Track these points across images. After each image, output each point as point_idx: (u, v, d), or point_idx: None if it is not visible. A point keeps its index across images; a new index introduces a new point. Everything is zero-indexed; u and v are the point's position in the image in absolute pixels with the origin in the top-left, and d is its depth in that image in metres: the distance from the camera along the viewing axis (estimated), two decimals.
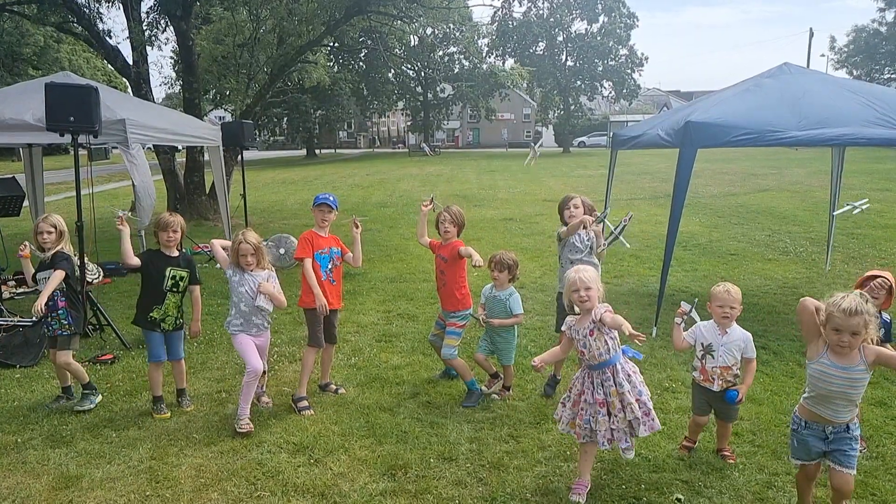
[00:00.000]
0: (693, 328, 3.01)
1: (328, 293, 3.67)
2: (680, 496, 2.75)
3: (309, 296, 3.62)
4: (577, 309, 2.79)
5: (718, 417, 3.05)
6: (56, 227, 3.62)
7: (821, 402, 2.37)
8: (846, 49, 44.00)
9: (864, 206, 5.72)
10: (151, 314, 3.60)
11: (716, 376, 2.93)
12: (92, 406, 3.62)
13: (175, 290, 3.63)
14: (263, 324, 3.52)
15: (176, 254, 3.66)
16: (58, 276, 3.49)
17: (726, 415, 3.03)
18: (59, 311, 3.57)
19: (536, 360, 2.79)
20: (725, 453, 3.06)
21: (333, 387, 3.94)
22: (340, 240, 3.83)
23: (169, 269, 3.59)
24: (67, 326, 3.62)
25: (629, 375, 2.74)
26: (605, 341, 2.69)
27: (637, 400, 2.70)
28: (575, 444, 3.19)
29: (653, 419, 2.73)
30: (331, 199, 3.70)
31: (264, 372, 3.64)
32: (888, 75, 42.39)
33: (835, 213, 5.92)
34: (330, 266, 3.72)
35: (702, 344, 2.96)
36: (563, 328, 2.86)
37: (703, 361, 2.97)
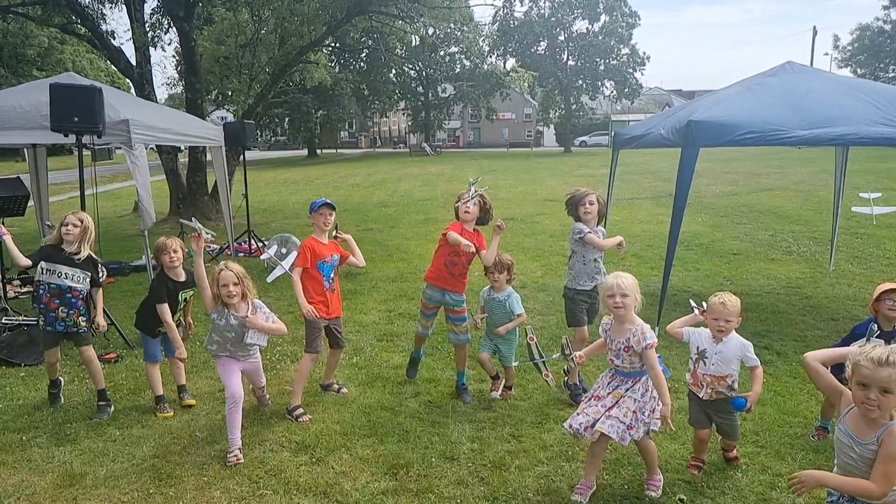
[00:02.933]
0: (692, 330, 2.92)
1: (330, 302, 3.64)
2: (683, 496, 2.75)
3: (312, 303, 3.61)
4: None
5: (720, 433, 2.92)
6: (82, 222, 3.62)
7: (840, 473, 2.00)
8: (850, 48, 43.85)
9: (876, 196, 5.70)
10: (160, 328, 3.64)
11: (705, 384, 2.83)
12: (107, 417, 3.61)
13: (183, 307, 3.72)
14: (253, 350, 3.35)
15: (183, 276, 3.64)
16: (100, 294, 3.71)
17: (727, 431, 2.88)
18: (80, 308, 3.60)
19: (577, 354, 2.85)
20: (732, 454, 2.97)
21: (336, 386, 3.95)
22: (339, 244, 3.79)
23: (181, 293, 3.63)
24: (85, 323, 3.67)
25: (646, 391, 2.70)
26: (639, 359, 2.68)
27: (634, 411, 2.64)
28: (577, 445, 3.20)
29: (629, 435, 2.62)
30: (330, 201, 3.66)
31: (262, 388, 3.60)
32: (893, 74, 42.22)
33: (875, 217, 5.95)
34: (332, 275, 3.67)
35: (697, 347, 2.86)
36: (600, 330, 2.85)
37: (696, 365, 2.87)
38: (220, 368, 3.26)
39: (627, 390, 2.70)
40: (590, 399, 2.79)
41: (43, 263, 3.54)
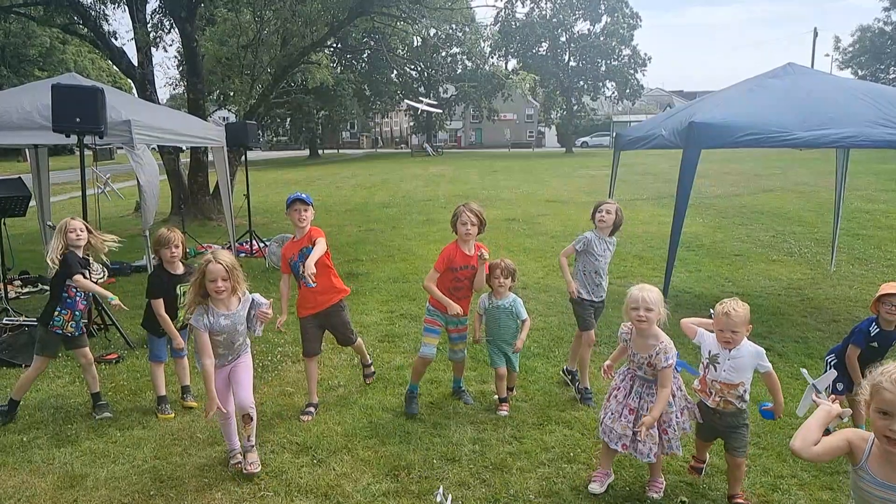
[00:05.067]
0: (705, 332, 2.75)
1: (310, 298, 3.51)
2: (684, 499, 2.75)
3: (300, 304, 3.58)
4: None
5: (727, 451, 2.70)
6: (86, 226, 3.65)
7: None
8: (851, 49, 43.87)
9: None
10: (176, 323, 3.62)
11: (714, 391, 2.65)
12: (109, 415, 3.62)
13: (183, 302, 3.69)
14: (244, 350, 3.03)
15: (181, 269, 3.63)
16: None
17: (735, 445, 2.66)
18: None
19: (606, 364, 2.87)
20: (739, 501, 2.68)
21: (371, 370, 4.01)
22: (319, 228, 3.55)
23: (179, 286, 3.60)
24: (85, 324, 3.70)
25: (673, 395, 2.69)
26: (655, 367, 2.68)
27: (666, 430, 2.68)
28: (578, 446, 3.20)
29: (659, 444, 2.66)
30: (303, 195, 3.48)
31: (249, 417, 2.90)
32: (894, 75, 42.21)
33: None
34: (302, 271, 3.45)
35: (709, 351, 2.69)
36: (619, 337, 2.84)
37: (706, 370, 2.71)
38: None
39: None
40: (618, 404, 2.75)
41: (85, 272, 3.57)
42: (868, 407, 1.59)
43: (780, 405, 2.66)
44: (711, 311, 2.89)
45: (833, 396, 1.91)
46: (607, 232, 3.75)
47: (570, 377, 3.97)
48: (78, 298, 3.55)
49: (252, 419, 2.93)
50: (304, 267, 3.42)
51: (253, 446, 2.97)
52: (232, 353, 2.99)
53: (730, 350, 2.62)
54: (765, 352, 2.66)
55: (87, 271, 3.63)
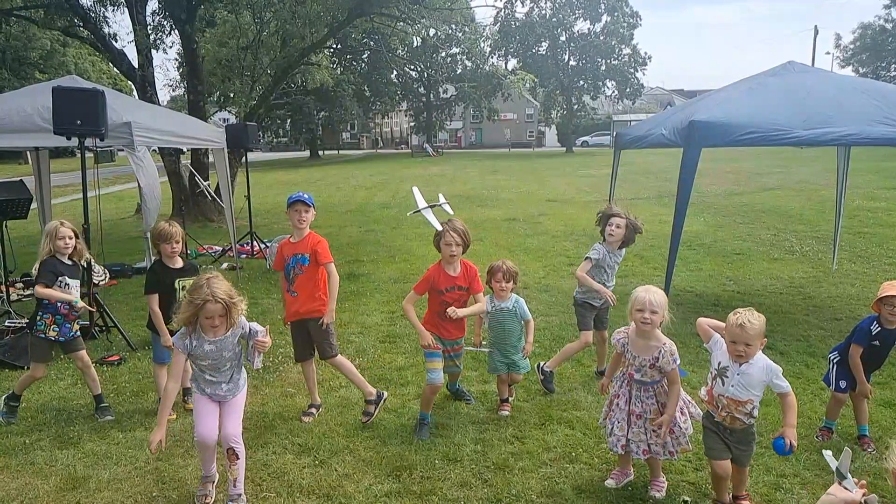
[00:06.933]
0: (720, 341, 2.57)
1: (293, 306, 3.39)
2: (687, 498, 2.74)
3: (286, 309, 3.53)
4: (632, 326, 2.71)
5: (733, 461, 2.59)
6: (74, 233, 3.63)
7: None
8: (851, 46, 43.82)
9: None
10: (170, 325, 3.60)
11: (721, 405, 2.52)
12: (111, 418, 3.62)
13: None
14: (239, 375, 2.77)
15: (180, 264, 3.61)
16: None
17: (741, 459, 2.58)
18: (76, 313, 3.62)
19: (601, 383, 2.95)
20: (743, 501, 2.65)
21: (371, 409, 3.49)
22: (324, 240, 3.44)
23: (178, 280, 3.58)
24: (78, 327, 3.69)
25: (677, 408, 2.68)
26: (659, 372, 2.69)
27: (672, 431, 2.68)
28: (580, 446, 3.20)
29: (671, 445, 2.67)
30: (305, 196, 3.38)
31: (235, 454, 2.60)
32: (894, 72, 42.15)
33: None
34: (292, 276, 3.37)
35: (719, 362, 2.54)
36: (614, 344, 2.82)
37: (713, 382, 2.56)
38: (195, 405, 2.78)
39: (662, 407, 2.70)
40: (620, 411, 2.75)
41: (61, 278, 3.53)
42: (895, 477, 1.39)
43: (793, 431, 2.42)
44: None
45: (862, 482, 1.66)
46: (616, 246, 3.77)
47: (542, 377, 3.92)
48: (59, 304, 3.52)
49: (238, 457, 2.60)
50: (294, 272, 3.39)
51: (240, 495, 2.60)
52: (219, 379, 2.68)
53: (740, 364, 2.46)
54: (781, 371, 2.47)
55: (70, 275, 3.58)
